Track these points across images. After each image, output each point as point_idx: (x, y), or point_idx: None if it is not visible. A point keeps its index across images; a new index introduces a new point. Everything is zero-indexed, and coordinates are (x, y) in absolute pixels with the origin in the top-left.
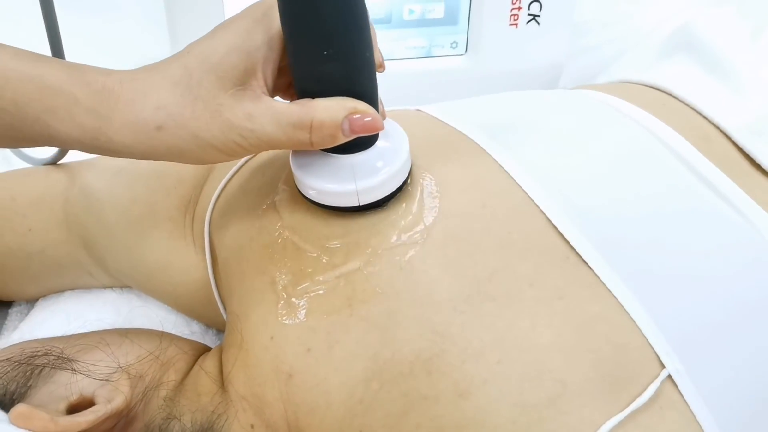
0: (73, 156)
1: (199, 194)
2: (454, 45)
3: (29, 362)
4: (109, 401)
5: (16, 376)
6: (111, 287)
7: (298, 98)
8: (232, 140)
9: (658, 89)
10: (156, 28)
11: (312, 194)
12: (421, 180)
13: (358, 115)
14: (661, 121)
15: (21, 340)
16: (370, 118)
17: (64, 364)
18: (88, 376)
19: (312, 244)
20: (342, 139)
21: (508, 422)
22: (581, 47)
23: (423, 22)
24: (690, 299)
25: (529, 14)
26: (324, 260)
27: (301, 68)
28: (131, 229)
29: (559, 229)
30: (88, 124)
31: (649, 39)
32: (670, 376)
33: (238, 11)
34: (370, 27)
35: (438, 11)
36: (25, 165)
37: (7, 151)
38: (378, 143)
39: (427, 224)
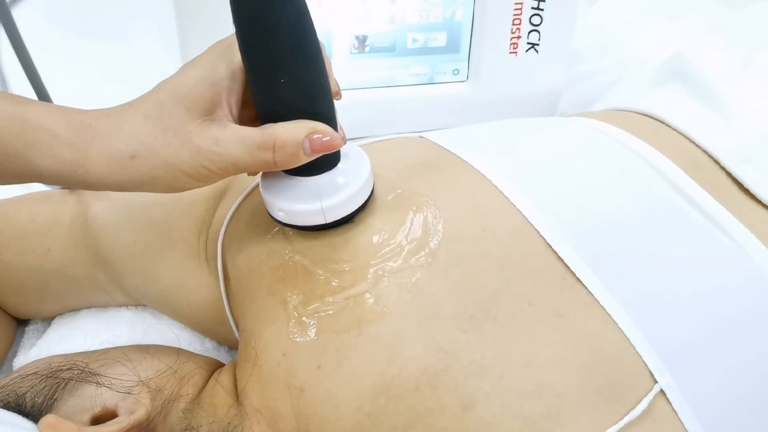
0: None
1: (213, 216)
2: (456, 72)
3: (55, 376)
4: (132, 413)
5: (43, 389)
6: (126, 306)
7: (261, 121)
8: (200, 164)
9: (651, 117)
10: (169, 53)
11: (281, 215)
12: (424, 206)
13: (317, 135)
14: (654, 148)
15: (38, 357)
16: (328, 138)
17: (88, 378)
18: (111, 389)
19: (321, 267)
20: (304, 159)
21: None
22: (579, 74)
23: (426, 51)
24: (680, 317)
25: (528, 43)
26: (334, 283)
27: (261, 95)
28: (147, 250)
29: (557, 251)
30: (67, 158)
31: (644, 67)
32: (662, 390)
33: None
34: (325, 58)
35: (440, 40)
36: (43, 188)
37: None
38: (340, 164)
39: (431, 248)
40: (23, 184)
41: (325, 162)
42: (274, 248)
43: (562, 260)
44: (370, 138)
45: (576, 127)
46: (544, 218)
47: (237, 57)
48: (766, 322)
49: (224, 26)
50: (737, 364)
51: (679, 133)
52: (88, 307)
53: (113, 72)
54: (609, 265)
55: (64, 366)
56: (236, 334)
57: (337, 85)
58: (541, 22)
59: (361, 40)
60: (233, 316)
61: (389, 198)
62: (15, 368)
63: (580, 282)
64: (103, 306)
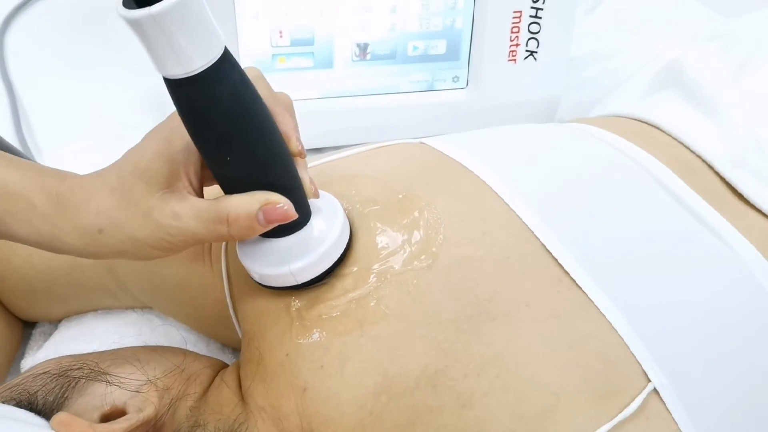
0: None
1: None
2: (455, 79)
3: (66, 375)
4: (141, 410)
5: (54, 387)
6: (132, 308)
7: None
8: (162, 239)
9: (646, 123)
10: None
11: (255, 277)
12: (426, 210)
13: (270, 206)
14: (648, 153)
15: (46, 359)
16: (282, 208)
17: (98, 377)
18: (120, 387)
19: None
20: (260, 230)
21: (506, 431)
22: (578, 80)
23: (426, 58)
24: (674, 318)
25: (527, 50)
26: (336, 286)
27: (213, 172)
28: None
29: (553, 253)
30: (43, 230)
31: (640, 74)
32: (655, 389)
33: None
34: (283, 122)
35: (440, 47)
36: None
37: None
38: (313, 220)
39: (432, 251)
40: None
41: (295, 222)
42: None
43: (558, 262)
44: (371, 144)
45: (572, 133)
46: (541, 222)
47: None
48: (758, 323)
49: (226, 30)
50: (730, 365)
51: (674, 138)
52: (95, 310)
53: (118, 83)
54: (604, 267)
55: (74, 365)
56: (240, 336)
57: (300, 145)
58: (539, 30)
59: (363, 48)
60: (237, 319)
61: (391, 202)
62: (23, 369)
63: (576, 284)
64: (109, 308)
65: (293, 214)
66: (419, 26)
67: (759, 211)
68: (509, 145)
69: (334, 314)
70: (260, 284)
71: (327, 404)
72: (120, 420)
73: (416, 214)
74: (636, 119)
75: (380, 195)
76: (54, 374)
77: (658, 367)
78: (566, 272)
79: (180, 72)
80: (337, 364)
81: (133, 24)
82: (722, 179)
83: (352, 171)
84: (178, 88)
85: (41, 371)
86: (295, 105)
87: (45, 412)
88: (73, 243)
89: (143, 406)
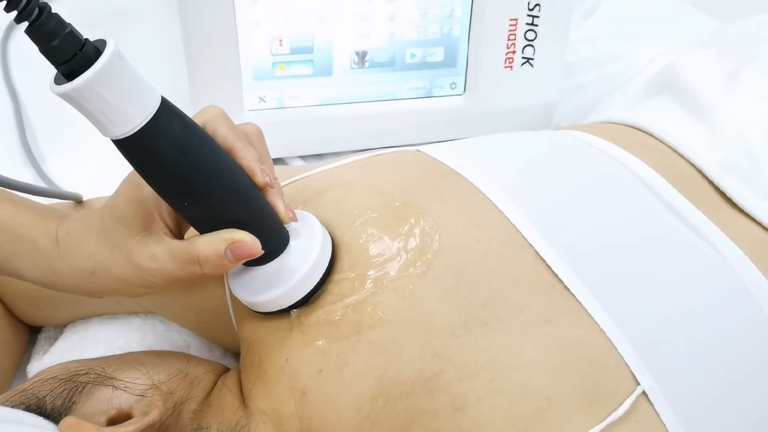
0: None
1: None
2: (453, 86)
3: (73, 380)
4: (146, 414)
5: (61, 392)
6: (136, 313)
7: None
8: (145, 279)
9: (639, 129)
10: (176, 76)
11: (244, 303)
12: (422, 218)
13: (236, 244)
14: (640, 160)
15: (51, 363)
16: (248, 246)
17: (105, 382)
18: (126, 392)
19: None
20: (231, 267)
21: None
22: (574, 86)
23: (424, 65)
24: (664, 323)
25: (523, 57)
26: (334, 292)
27: (179, 214)
28: None
29: (546, 260)
30: (45, 270)
31: (635, 79)
32: (644, 392)
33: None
34: (252, 151)
35: (438, 55)
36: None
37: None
38: (291, 243)
39: (428, 257)
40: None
41: (271, 250)
42: None
43: (551, 269)
44: (369, 151)
45: (565, 141)
46: (534, 229)
47: None
48: (745, 328)
49: (228, 40)
50: (717, 367)
51: (666, 145)
52: (99, 315)
53: None
54: (595, 273)
55: (81, 370)
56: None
57: (265, 177)
58: (535, 38)
59: (361, 56)
60: (238, 324)
61: (388, 209)
62: (29, 374)
63: (568, 290)
64: (113, 313)
65: (258, 251)
66: (417, 34)
67: (748, 216)
68: (503, 153)
69: (332, 319)
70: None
71: (326, 408)
72: (126, 423)
73: (412, 221)
74: (629, 126)
75: (377, 202)
76: (61, 379)
77: (647, 370)
78: (558, 278)
79: (119, 132)
80: (335, 368)
81: (63, 97)
82: (713, 185)
83: (350, 178)
84: (122, 147)
85: (49, 376)
86: (295, 112)
87: (53, 416)
88: (71, 283)
89: (148, 410)
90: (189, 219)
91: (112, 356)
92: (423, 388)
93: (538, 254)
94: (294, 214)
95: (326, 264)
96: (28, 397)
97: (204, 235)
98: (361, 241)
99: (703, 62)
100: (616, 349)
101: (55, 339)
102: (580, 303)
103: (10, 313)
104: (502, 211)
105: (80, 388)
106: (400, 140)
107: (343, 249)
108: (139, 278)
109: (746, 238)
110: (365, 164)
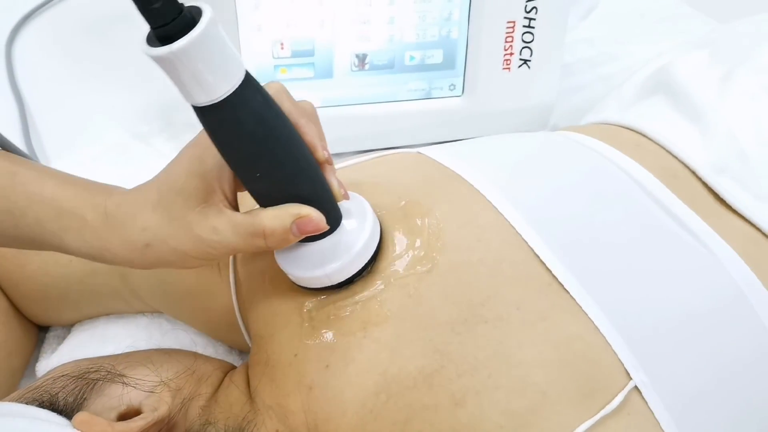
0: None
1: None
2: (452, 87)
3: (84, 377)
4: (155, 410)
5: (73, 389)
6: (143, 312)
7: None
8: (204, 251)
9: (633, 130)
10: None
11: (293, 279)
12: (426, 218)
13: (302, 219)
14: (634, 161)
15: (60, 362)
16: (315, 220)
17: (115, 379)
18: (136, 388)
19: None
20: (294, 240)
21: (497, 427)
22: (572, 86)
23: (423, 67)
24: (657, 320)
25: (521, 59)
26: (344, 288)
27: (246, 186)
28: None
29: (543, 259)
30: (94, 243)
31: (631, 80)
32: (636, 387)
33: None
34: (309, 133)
35: (437, 57)
36: None
37: None
38: (344, 222)
39: (433, 256)
40: None
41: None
42: None
43: (547, 268)
44: (370, 153)
45: (561, 142)
46: (531, 229)
47: None
48: (736, 325)
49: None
50: (708, 363)
51: (660, 146)
52: (107, 314)
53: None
54: (590, 271)
55: (92, 368)
56: (247, 339)
57: (326, 153)
58: (532, 40)
59: (361, 58)
60: (244, 322)
61: (395, 208)
62: (38, 372)
63: (564, 288)
64: (120, 313)
65: (324, 226)
66: (416, 37)
67: (740, 216)
68: (500, 155)
69: (342, 315)
70: (298, 285)
71: (331, 402)
72: (136, 419)
73: (418, 220)
74: (624, 127)
75: (384, 201)
76: (73, 377)
77: (640, 366)
78: (555, 277)
79: (205, 100)
80: (341, 364)
81: (157, 60)
82: (705, 185)
83: (355, 178)
84: (205, 114)
85: (61, 374)
86: None
87: (66, 412)
88: (122, 255)
89: (157, 406)
90: (254, 191)
91: (121, 354)
92: (424, 383)
93: (535, 253)
94: (346, 192)
95: (376, 244)
96: (41, 394)
97: (269, 208)
98: None
99: (697, 63)
100: (610, 345)
101: (63, 338)
102: (575, 301)
103: (20, 313)
104: (500, 212)
105: (91, 385)
106: (400, 141)
107: None
108: (198, 250)
109: (738, 237)
110: (368, 165)
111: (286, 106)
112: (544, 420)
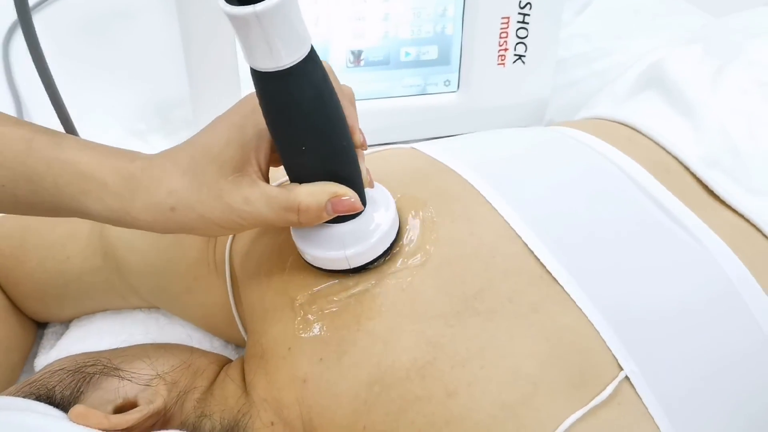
0: None
1: None
2: (446, 83)
3: (81, 371)
4: (151, 402)
5: (70, 383)
6: (140, 308)
7: (289, 179)
8: (232, 220)
9: (625, 125)
10: (175, 75)
11: (309, 258)
12: (420, 211)
13: (338, 198)
14: (626, 155)
15: (58, 357)
16: (349, 200)
17: (111, 372)
18: (132, 382)
19: None
20: (326, 218)
21: (489, 417)
22: (566, 81)
23: (418, 63)
24: (647, 312)
25: (515, 54)
26: (337, 282)
27: (286, 159)
28: (161, 257)
29: (534, 252)
30: (115, 206)
31: (625, 75)
32: (627, 377)
33: None
34: (349, 114)
35: (432, 53)
36: None
37: None
38: (367, 209)
39: (427, 249)
40: None
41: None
42: (281, 253)
43: (539, 260)
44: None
45: (554, 137)
46: (523, 222)
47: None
48: (727, 318)
49: (227, 40)
50: (700, 356)
51: (652, 140)
52: (104, 310)
53: (119, 92)
54: (581, 264)
55: (89, 362)
56: (243, 334)
57: (362, 136)
58: (527, 35)
59: (357, 55)
60: (240, 317)
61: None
62: (36, 367)
63: (556, 280)
64: (117, 308)
65: (359, 207)
66: (411, 33)
67: (732, 209)
68: (494, 150)
69: (335, 309)
70: (312, 265)
71: (325, 395)
72: (132, 411)
73: (413, 213)
74: (617, 122)
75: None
76: (70, 370)
77: (630, 356)
78: (546, 270)
79: (271, 66)
80: (335, 356)
81: (235, 19)
82: (697, 179)
83: None
84: (265, 81)
85: (58, 368)
86: None
87: (63, 405)
88: (143, 219)
89: (153, 399)
90: (293, 165)
91: (118, 348)
92: (417, 375)
93: (527, 246)
94: (371, 180)
95: (395, 234)
96: (38, 388)
97: (305, 184)
98: None
99: (690, 58)
100: (601, 336)
101: (61, 334)
102: (567, 293)
103: (18, 310)
104: (493, 206)
105: (88, 379)
106: (396, 137)
107: None
108: (226, 219)
109: (729, 230)
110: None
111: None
112: (535, 410)
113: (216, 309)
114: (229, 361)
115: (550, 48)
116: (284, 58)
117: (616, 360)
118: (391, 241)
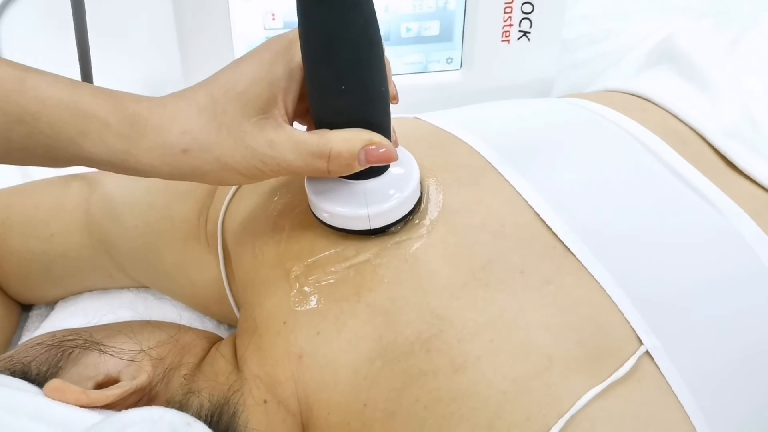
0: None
1: (213, 197)
2: (449, 61)
3: (59, 345)
4: (134, 378)
5: (48, 358)
6: (128, 287)
7: (315, 127)
8: (253, 165)
9: (639, 96)
10: (167, 51)
11: (325, 216)
12: (425, 179)
13: (373, 147)
14: (641, 125)
15: None
16: (384, 150)
17: (92, 347)
18: (114, 356)
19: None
20: (357, 168)
21: (499, 393)
22: (571, 63)
23: (420, 40)
24: (666, 282)
25: (520, 31)
26: (336, 251)
27: (320, 101)
28: (149, 232)
29: (546, 222)
30: (117, 147)
31: (630, 56)
32: (647, 352)
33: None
34: (385, 61)
35: (434, 29)
36: (45, 176)
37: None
38: (391, 170)
39: (432, 218)
40: (23, 173)
41: (377, 168)
42: (276, 224)
43: (551, 230)
44: None
45: (566, 107)
46: (534, 191)
47: (297, 56)
48: (750, 286)
49: (221, 17)
50: (723, 326)
51: (667, 111)
52: (91, 290)
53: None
54: (596, 234)
55: (68, 336)
56: (236, 311)
57: (395, 88)
58: (532, 11)
59: None
60: (233, 293)
61: None
62: None
63: (569, 251)
64: (104, 288)
65: (394, 157)
66: (412, 8)
67: (751, 180)
68: (501, 119)
69: (332, 281)
70: (325, 224)
71: (323, 371)
72: (113, 387)
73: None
74: (629, 93)
75: None
76: (48, 345)
77: (651, 330)
78: (559, 239)
79: None
80: (333, 330)
81: None
82: (715, 150)
83: None
84: (315, 7)
85: (36, 342)
86: None
87: (39, 381)
88: (150, 162)
89: (137, 375)
90: (326, 108)
91: (100, 325)
92: (422, 348)
93: (539, 216)
94: (397, 139)
95: (417, 198)
96: (14, 363)
97: (338, 130)
98: None
99: (702, 32)
100: (619, 308)
101: (46, 316)
102: (581, 263)
103: (2, 291)
104: (501, 173)
105: (67, 354)
106: (397, 115)
107: None
108: (246, 163)
109: (749, 200)
110: None
111: None
112: (549, 386)
113: (207, 286)
114: (220, 338)
115: (556, 24)
116: None
117: (636, 334)
118: (414, 202)
